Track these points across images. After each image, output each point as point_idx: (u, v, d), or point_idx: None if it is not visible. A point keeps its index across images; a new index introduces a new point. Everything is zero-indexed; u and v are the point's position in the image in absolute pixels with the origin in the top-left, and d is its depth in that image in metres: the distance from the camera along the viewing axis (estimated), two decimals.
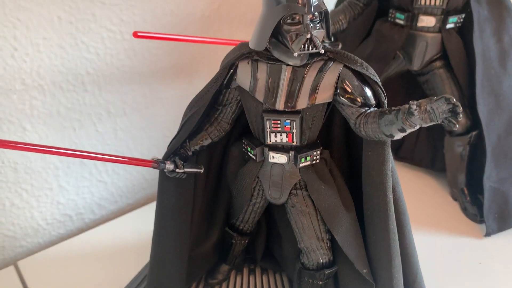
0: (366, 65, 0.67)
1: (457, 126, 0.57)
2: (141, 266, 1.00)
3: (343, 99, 0.67)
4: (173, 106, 1.21)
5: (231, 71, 0.69)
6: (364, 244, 0.77)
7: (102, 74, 1.07)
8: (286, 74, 0.67)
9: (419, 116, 0.58)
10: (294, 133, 0.70)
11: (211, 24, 1.20)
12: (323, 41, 0.65)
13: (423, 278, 0.85)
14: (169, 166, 0.71)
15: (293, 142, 0.71)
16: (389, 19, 1.09)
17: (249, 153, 0.75)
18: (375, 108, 0.67)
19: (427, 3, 1.01)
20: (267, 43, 0.65)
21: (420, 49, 1.08)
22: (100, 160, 0.67)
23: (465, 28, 1.07)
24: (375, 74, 0.67)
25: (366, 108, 0.67)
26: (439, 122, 0.58)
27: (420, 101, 0.59)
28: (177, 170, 0.71)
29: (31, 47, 0.95)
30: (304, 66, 0.67)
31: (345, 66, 0.67)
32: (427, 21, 1.04)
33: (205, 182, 0.83)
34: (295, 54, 0.63)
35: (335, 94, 0.67)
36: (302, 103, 0.67)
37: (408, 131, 0.62)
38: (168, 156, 0.73)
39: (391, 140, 0.67)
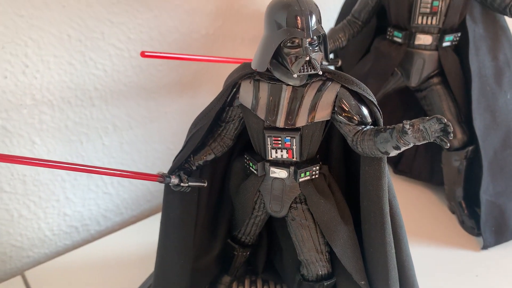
0: (362, 85, 0.70)
1: (448, 144, 0.60)
2: (145, 277, 1.02)
3: (340, 117, 0.70)
4: (177, 120, 1.25)
5: (234, 90, 0.73)
6: (362, 256, 0.80)
7: (109, 89, 1.10)
8: (286, 93, 0.70)
9: (412, 135, 0.61)
10: (294, 149, 0.73)
11: (214, 41, 1.24)
12: (321, 63, 0.69)
13: None
14: (174, 180, 0.74)
15: (293, 157, 0.74)
16: (387, 37, 1.13)
17: (251, 168, 0.78)
18: (371, 126, 0.70)
19: (424, 22, 1.05)
20: (268, 64, 0.68)
21: (417, 66, 1.11)
22: (108, 175, 0.70)
23: (462, 46, 1.10)
24: (371, 94, 0.71)
25: (363, 126, 0.70)
26: (431, 141, 0.61)
27: (413, 120, 0.62)
28: (182, 184, 0.74)
29: (42, 64, 0.98)
30: (304, 86, 0.70)
31: (342, 86, 0.70)
32: (424, 39, 1.07)
33: (208, 195, 0.85)
34: (295, 75, 0.67)
35: (333, 112, 0.70)
36: (301, 120, 0.70)
37: (403, 148, 0.65)
38: (173, 170, 0.76)
39: (389, 156, 0.70)
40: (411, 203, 1.29)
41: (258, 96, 0.71)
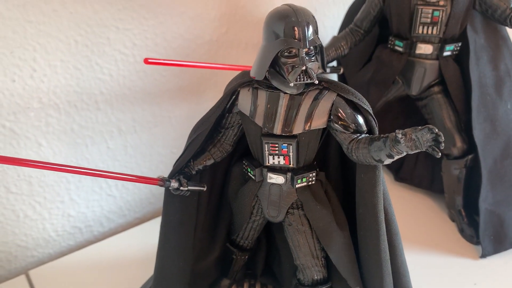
0: (358, 95, 0.72)
1: (439, 154, 0.61)
2: (147, 278, 1.04)
3: (336, 125, 0.72)
4: (181, 125, 1.27)
5: (233, 97, 0.75)
6: (358, 262, 0.81)
7: (115, 94, 1.12)
8: (283, 101, 0.72)
9: (405, 144, 0.63)
10: (291, 156, 0.74)
11: (219, 47, 1.26)
12: (323, 71, 0.70)
13: None
14: (174, 184, 0.76)
15: (290, 164, 0.76)
16: (389, 46, 1.14)
17: (249, 173, 0.80)
18: (366, 135, 0.72)
19: (425, 32, 1.06)
20: (266, 73, 0.70)
21: (418, 75, 1.12)
22: (110, 178, 0.72)
23: (462, 56, 1.11)
24: (367, 103, 0.72)
25: (358, 135, 0.71)
26: (423, 150, 0.62)
27: (406, 130, 0.63)
28: (181, 188, 0.76)
29: (49, 69, 1.01)
30: (301, 94, 0.72)
31: (338, 95, 0.71)
32: (425, 48, 1.09)
33: (208, 199, 0.87)
34: (291, 84, 0.68)
35: (329, 120, 0.72)
36: (298, 128, 0.72)
37: (396, 157, 0.66)
38: (174, 174, 0.78)
39: (383, 164, 0.71)
40: (411, 211, 1.30)
41: (256, 104, 0.73)
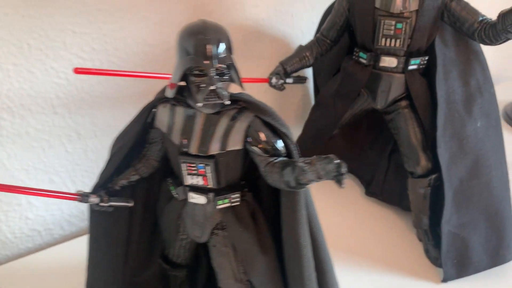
0: (276, 116, 0.68)
1: (343, 185, 0.57)
2: None
3: (252, 147, 0.68)
4: None
5: (153, 111, 0.72)
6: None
7: (73, 98, 1.11)
8: (200, 120, 0.69)
9: (311, 173, 0.59)
10: (209, 177, 0.71)
11: None
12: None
13: None
14: (94, 199, 0.74)
15: (209, 185, 0.73)
16: (354, 57, 1.09)
17: (172, 192, 0.77)
18: (283, 158, 0.68)
19: (387, 44, 1.01)
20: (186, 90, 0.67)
21: (383, 89, 1.08)
22: (27, 194, 0.71)
23: (431, 70, 1.06)
24: (285, 125, 0.68)
25: (275, 158, 0.68)
26: (331, 179, 0.59)
27: (311, 158, 0.60)
28: (101, 204, 0.74)
29: (1, 72, 1.00)
30: (218, 113, 0.69)
31: (256, 116, 0.68)
32: (389, 61, 1.04)
33: (143, 213, 0.85)
34: (199, 104, 0.65)
35: (246, 142, 0.69)
36: (214, 148, 0.69)
37: (310, 183, 0.62)
38: (96, 189, 0.76)
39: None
40: (380, 227, 1.25)
41: (173, 121, 0.70)
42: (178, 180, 0.76)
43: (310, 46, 1.14)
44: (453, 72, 1.04)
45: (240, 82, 0.67)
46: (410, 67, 1.04)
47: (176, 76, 0.65)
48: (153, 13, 1.14)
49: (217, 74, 0.64)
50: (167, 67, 1.21)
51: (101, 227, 0.80)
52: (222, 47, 0.64)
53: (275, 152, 0.68)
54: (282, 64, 1.15)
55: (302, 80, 1.19)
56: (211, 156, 0.70)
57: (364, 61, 1.06)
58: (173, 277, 0.91)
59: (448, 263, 1.07)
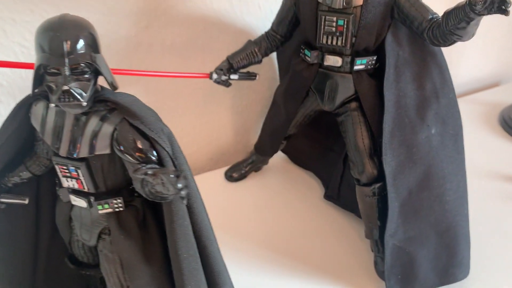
0: (147, 120, 0.63)
1: (184, 202, 0.52)
2: None
3: (119, 152, 0.64)
4: None
5: (28, 108, 0.69)
6: None
7: (17, 86, 1.10)
8: (69, 120, 0.65)
9: (157, 185, 0.54)
10: (83, 180, 0.68)
11: (138, 44, 1.20)
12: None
13: None
14: None
15: (84, 188, 0.69)
16: (301, 54, 1.02)
17: (57, 193, 0.74)
18: (152, 166, 0.63)
19: (329, 42, 0.94)
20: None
21: (330, 89, 1.00)
22: None
23: (383, 71, 0.97)
24: (156, 130, 0.63)
25: (143, 165, 0.63)
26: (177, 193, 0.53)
27: (156, 170, 0.55)
28: None
29: None
30: (87, 113, 0.65)
31: (125, 118, 0.64)
32: (333, 60, 0.96)
33: (51, 209, 0.83)
34: (52, 105, 0.62)
35: (113, 145, 0.64)
36: (83, 151, 0.65)
37: (165, 196, 0.57)
38: None
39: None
40: (334, 234, 1.19)
41: (46, 120, 0.67)
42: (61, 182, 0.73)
43: (259, 41, 1.08)
44: (406, 74, 0.96)
45: (111, 81, 0.63)
46: (356, 67, 0.96)
47: (33, 75, 0.62)
48: (100, 2, 1.11)
49: (75, 73, 0.60)
50: (116, 59, 1.19)
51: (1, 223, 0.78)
52: (80, 44, 0.60)
53: (143, 159, 0.63)
54: (229, 59, 1.09)
55: (251, 76, 1.12)
56: (83, 159, 0.66)
57: (308, 59, 0.99)
58: (90, 277, 0.89)
59: (392, 278, 1.00)
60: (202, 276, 0.70)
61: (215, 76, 1.08)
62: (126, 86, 1.23)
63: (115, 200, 0.70)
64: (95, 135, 0.64)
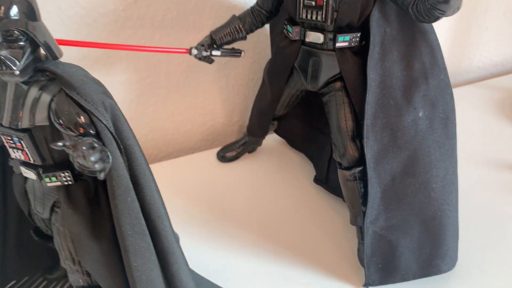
0: (83, 91, 0.61)
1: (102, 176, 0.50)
2: None
3: (56, 124, 0.62)
4: None
5: None
6: None
7: None
8: (11, 90, 0.64)
9: (79, 158, 0.52)
10: (27, 152, 0.67)
11: (127, 18, 1.18)
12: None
13: None
14: None
15: (30, 160, 0.68)
16: (284, 30, 0.98)
17: (9, 163, 0.74)
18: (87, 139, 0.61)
19: (309, 17, 0.89)
20: None
21: (313, 68, 0.96)
22: None
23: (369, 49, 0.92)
24: (93, 101, 0.61)
25: (80, 138, 0.61)
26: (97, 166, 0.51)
27: (74, 142, 0.52)
28: None
29: None
30: (27, 83, 0.63)
31: (62, 89, 0.61)
32: (314, 37, 0.92)
33: None
34: None
35: (50, 117, 0.63)
36: (25, 122, 0.64)
37: (92, 170, 0.56)
38: None
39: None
40: (322, 218, 1.16)
41: None
42: None
43: (243, 16, 1.04)
44: (393, 53, 0.90)
45: (50, 50, 0.61)
46: (338, 44, 0.91)
47: None
48: None
49: (8, 40, 0.58)
50: (104, 34, 1.17)
51: None
52: (13, 10, 0.58)
53: (80, 132, 0.61)
54: (212, 34, 1.06)
55: (235, 53, 1.08)
56: (26, 130, 0.65)
57: (290, 35, 0.95)
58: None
59: (372, 267, 0.96)
60: (152, 254, 0.68)
61: (195, 51, 1.05)
62: (117, 63, 1.22)
63: (63, 173, 0.68)
64: (34, 105, 0.63)
